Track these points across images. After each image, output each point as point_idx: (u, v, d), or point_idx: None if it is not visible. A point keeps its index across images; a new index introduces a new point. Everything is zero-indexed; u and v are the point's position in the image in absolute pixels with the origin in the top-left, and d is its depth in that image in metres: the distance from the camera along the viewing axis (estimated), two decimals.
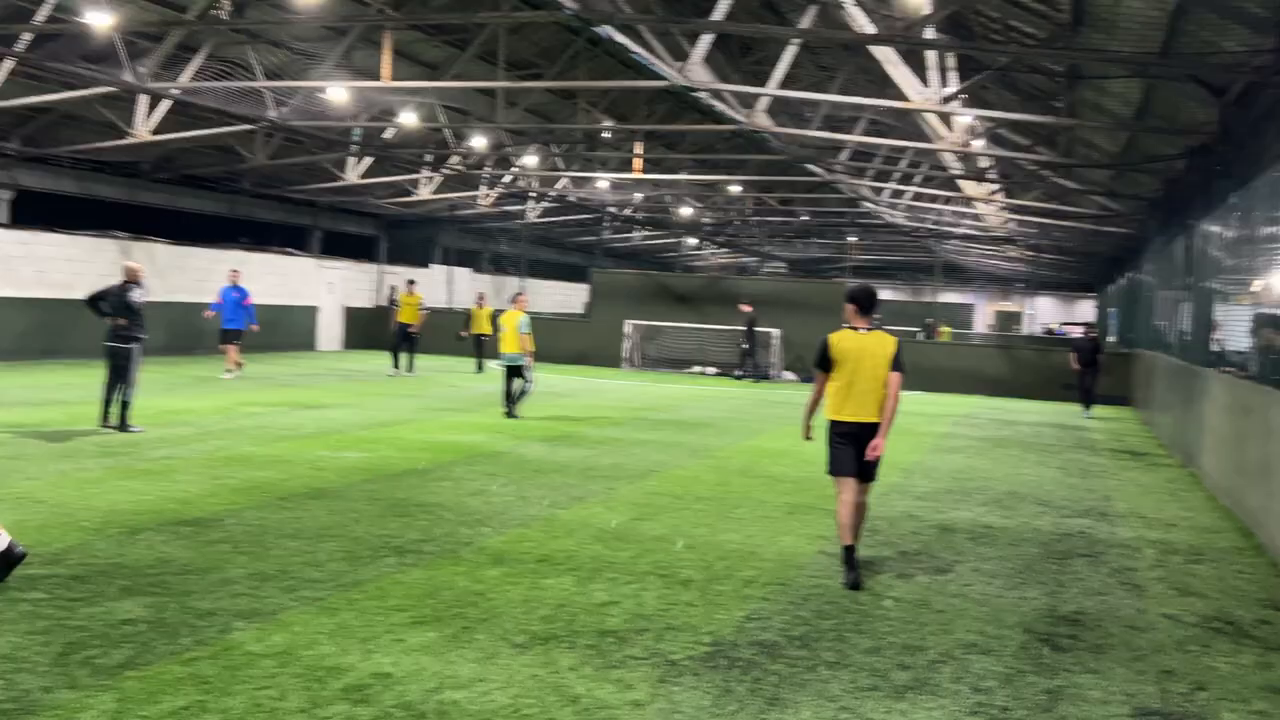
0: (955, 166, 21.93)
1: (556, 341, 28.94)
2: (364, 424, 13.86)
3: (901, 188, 27.19)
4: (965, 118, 16.68)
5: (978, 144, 18.88)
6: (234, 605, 5.79)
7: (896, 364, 7.01)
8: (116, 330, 11.97)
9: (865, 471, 7.11)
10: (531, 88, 19.72)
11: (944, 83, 14.87)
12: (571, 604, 6.15)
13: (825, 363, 7.09)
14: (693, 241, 48.85)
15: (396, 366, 22.74)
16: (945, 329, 39.91)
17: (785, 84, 15.60)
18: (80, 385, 16.83)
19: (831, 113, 21.38)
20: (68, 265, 22.49)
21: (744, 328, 25.55)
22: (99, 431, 11.91)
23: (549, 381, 21.88)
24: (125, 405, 11.99)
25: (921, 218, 33.88)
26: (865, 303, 7.12)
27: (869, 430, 7.00)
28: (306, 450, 11.42)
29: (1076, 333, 49.50)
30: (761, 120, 16.60)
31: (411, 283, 23.87)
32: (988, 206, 25.70)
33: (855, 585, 6.87)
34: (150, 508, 8.16)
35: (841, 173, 24.79)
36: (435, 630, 5.54)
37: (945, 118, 16.17)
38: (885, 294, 59.42)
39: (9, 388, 16.02)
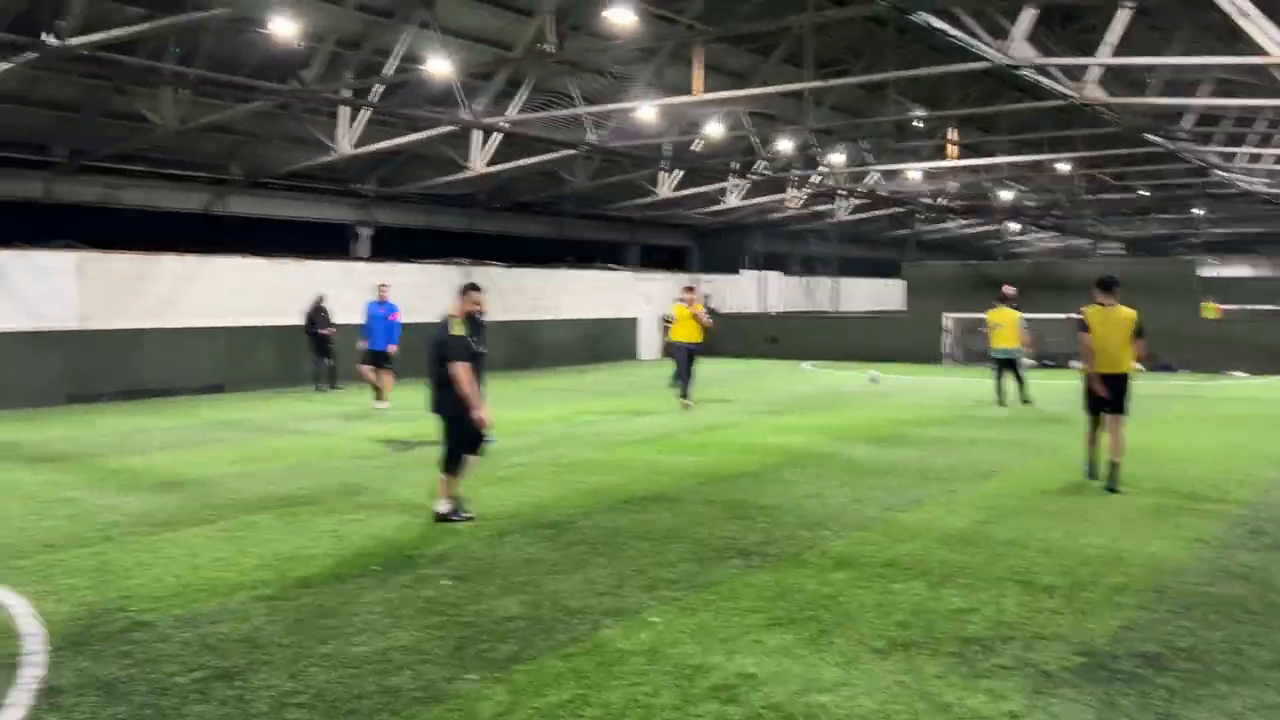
0: None
1: (873, 339, 28.43)
2: (691, 429, 14.23)
3: (1258, 151, 24.40)
4: None
5: None
6: (600, 604, 6.12)
7: (1139, 331, 9.70)
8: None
9: (1114, 407, 9.74)
10: (841, 85, 19.43)
11: None
12: (927, 610, 5.99)
13: (1085, 326, 9.78)
14: (1015, 227, 46.33)
15: (684, 396, 16.86)
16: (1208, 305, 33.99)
17: (1117, 50, 14.47)
18: None
19: (1172, 76, 19.56)
20: (418, 292, 24.71)
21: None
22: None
23: (866, 381, 21.48)
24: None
25: None
26: (1107, 286, 9.86)
27: (1114, 379, 9.69)
28: (642, 455, 11.89)
29: None
30: (1093, 92, 15.48)
31: (689, 289, 17.86)
32: None
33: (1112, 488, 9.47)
34: (511, 512, 8.79)
35: (1185, 140, 22.62)
36: (792, 633, 5.58)
37: None
38: (1244, 270, 53.55)
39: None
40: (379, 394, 16.69)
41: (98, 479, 10.55)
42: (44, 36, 12.37)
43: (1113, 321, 9.74)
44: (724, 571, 6.83)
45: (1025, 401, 16.33)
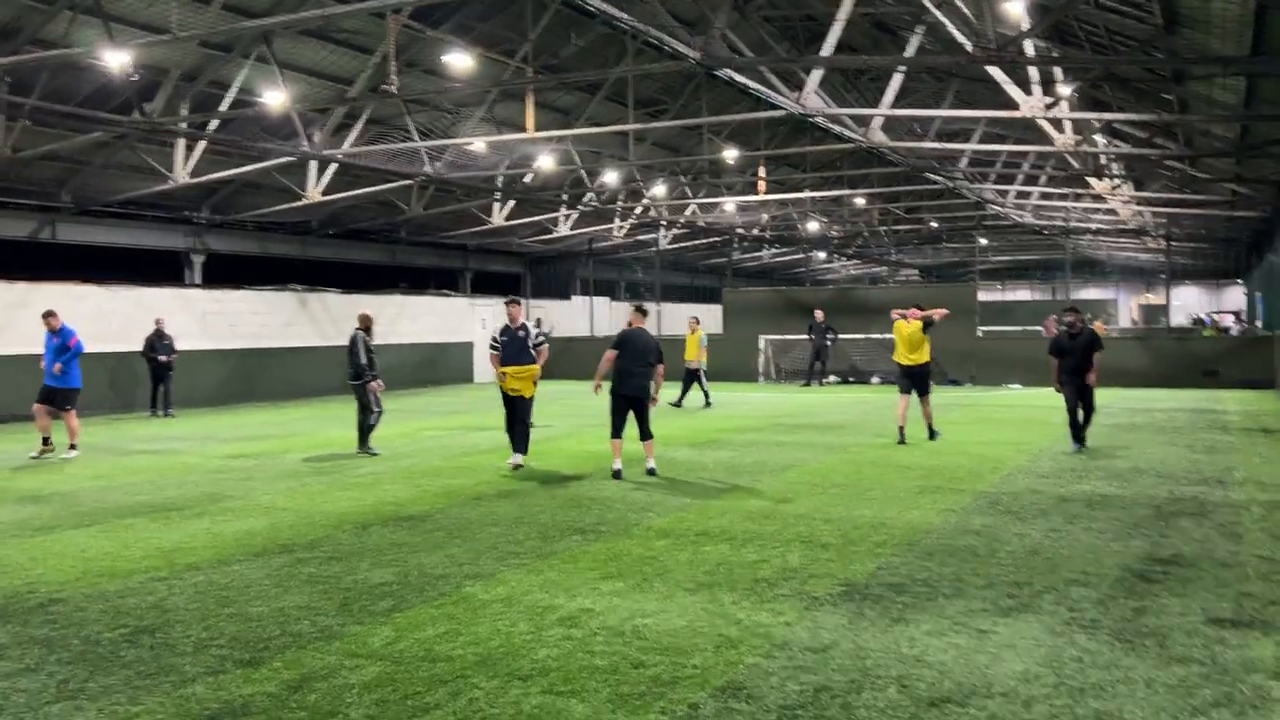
0: (1076, 164, 22.37)
1: None
2: (531, 440, 15.37)
3: (1026, 189, 27.59)
4: (1075, 118, 17.31)
5: (1098, 138, 19.42)
6: (460, 571, 7.27)
7: (926, 329, 14.27)
8: (352, 369, 13.94)
9: (919, 389, 14.45)
10: (661, 127, 21.13)
11: (1051, 88, 15.62)
12: (729, 562, 7.41)
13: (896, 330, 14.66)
14: (822, 255, 49.60)
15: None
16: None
17: (900, 98, 16.62)
18: (278, 423, 19.01)
19: (947, 124, 22.15)
20: (254, 318, 25.07)
21: (809, 335, 26.71)
22: (310, 456, 13.77)
23: (689, 398, 23.11)
24: (364, 430, 13.93)
25: (1050, 216, 33.98)
26: (905, 311, 14.50)
27: (918, 368, 14.39)
28: (486, 462, 13.01)
29: (1228, 322, 47.80)
30: (878, 137, 17.63)
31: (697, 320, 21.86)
32: (1115, 200, 25.88)
33: (902, 442, 14.07)
34: (371, 510, 9.78)
35: (962, 179, 25.44)
36: (621, 581, 6.89)
37: (1056, 121, 16.86)
38: (1023, 294, 58.86)
39: (220, 427, 18.26)
40: (49, 441, 14.10)
41: None
42: None
43: (910, 330, 14.34)
44: (565, 544, 8.08)
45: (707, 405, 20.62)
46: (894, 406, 15.00)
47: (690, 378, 21.11)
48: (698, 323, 21.83)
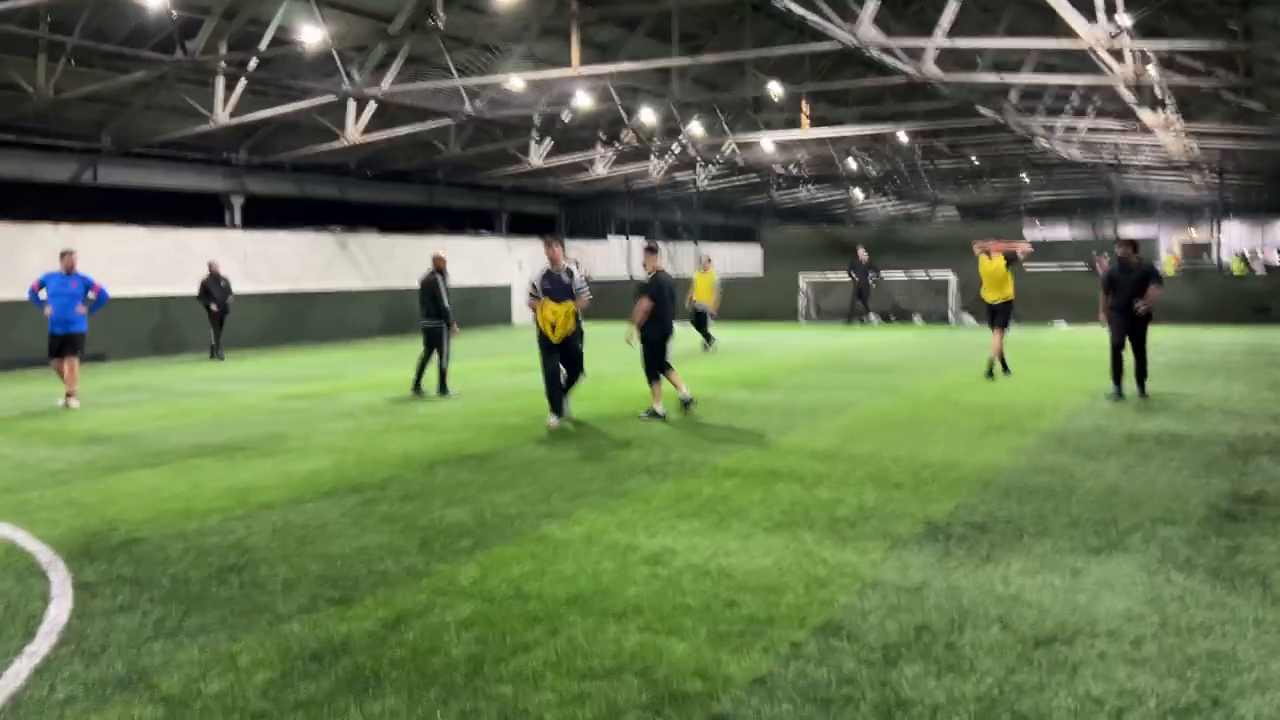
0: (1129, 97, 21.76)
1: (734, 299, 30.06)
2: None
3: (1074, 123, 26.92)
4: (1136, 48, 16.76)
5: (1151, 70, 18.83)
6: (535, 510, 7.24)
7: (1009, 265, 14.54)
8: (426, 311, 13.90)
9: (997, 323, 14.66)
10: (707, 62, 20.68)
11: (1112, 14, 15.10)
12: (803, 502, 7.33)
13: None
14: (860, 194, 48.89)
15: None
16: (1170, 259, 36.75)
17: (950, 29, 16.13)
18: (325, 364, 19.08)
19: (998, 56, 21.58)
20: (294, 259, 25.09)
21: (850, 274, 26.36)
22: (363, 397, 13.78)
23: (731, 338, 23.01)
24: (443, 373, 13.92)
25: (1098, 151, 33.21)
26: (987, 245, 14.83)
27: (998, 304, 14.63)
28: (539, 403, 12.80)
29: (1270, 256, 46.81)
30: (930, 70, 17.19)
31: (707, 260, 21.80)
32: (1166, 134, 25.20)
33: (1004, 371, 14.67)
34: (434, 450, 9.78)
35: (1011, 113, 24.85)
36: (698, 521, 6.83)
37: (1115, 51, 16.35)
38: (1063, 232, 57.93)
39: (269, 369, 18.36)
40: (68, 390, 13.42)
41: (20, 437, 11.00)
42: None
43: (993, 266, 14.55)
44: (634, 484, 8.04)
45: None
46: (943, 347, 14.82)
47: (700, 319, 20.27)
48: (710, 262, 21.27)
